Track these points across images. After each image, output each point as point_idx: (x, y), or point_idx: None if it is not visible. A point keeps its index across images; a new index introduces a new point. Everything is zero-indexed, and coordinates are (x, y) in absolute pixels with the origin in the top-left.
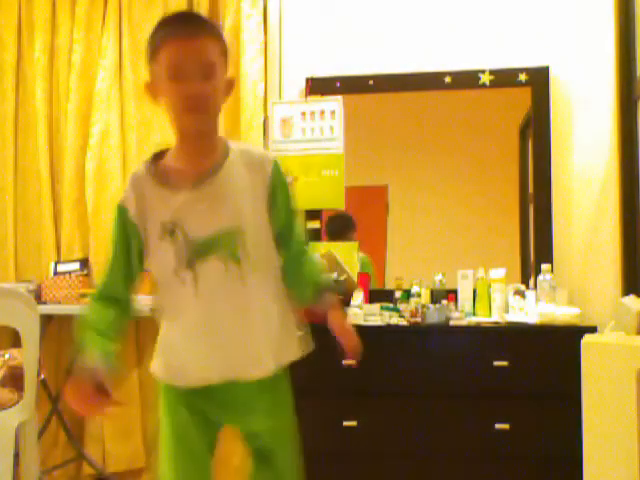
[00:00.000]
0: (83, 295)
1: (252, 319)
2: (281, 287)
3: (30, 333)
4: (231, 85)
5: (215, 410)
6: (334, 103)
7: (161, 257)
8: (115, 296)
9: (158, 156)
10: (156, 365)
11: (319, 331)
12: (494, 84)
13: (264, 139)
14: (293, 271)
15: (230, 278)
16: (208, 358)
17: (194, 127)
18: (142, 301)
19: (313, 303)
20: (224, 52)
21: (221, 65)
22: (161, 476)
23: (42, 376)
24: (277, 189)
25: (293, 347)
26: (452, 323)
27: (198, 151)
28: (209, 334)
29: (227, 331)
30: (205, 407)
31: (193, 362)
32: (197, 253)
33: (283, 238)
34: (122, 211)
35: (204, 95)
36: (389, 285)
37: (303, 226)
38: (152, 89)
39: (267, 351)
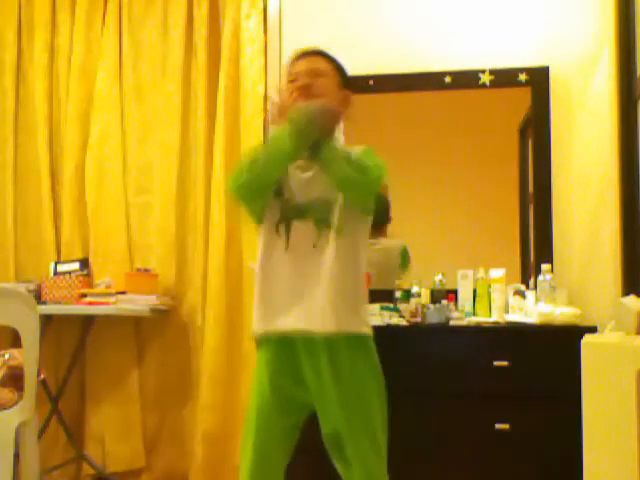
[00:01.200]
0: (83, 295)
1: (328, 278)
2: (362, 262)
3: (30, 333)
4: (347, 98)
5: (296, 388)
6: None
7: (271, 210)
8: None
9: None
10: (255, 319)
11: None
12: (494, 84)
13: (264, 139)
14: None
15: (318, 239)
16: (290, 306)
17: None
18: (142, 301)
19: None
20: (335, 71)
21: (331, 77)
22: (242, 445)
23: (42, 376)
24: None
25: (359, 320)
26: (452, 323)
27: None
28: (293, 284)
29: (306, 284)
30: (288, 386)
31: (280, 308)
32: (295, 213)
33: None
34: None
35: (310, 85)
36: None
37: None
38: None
39: (333, 310)
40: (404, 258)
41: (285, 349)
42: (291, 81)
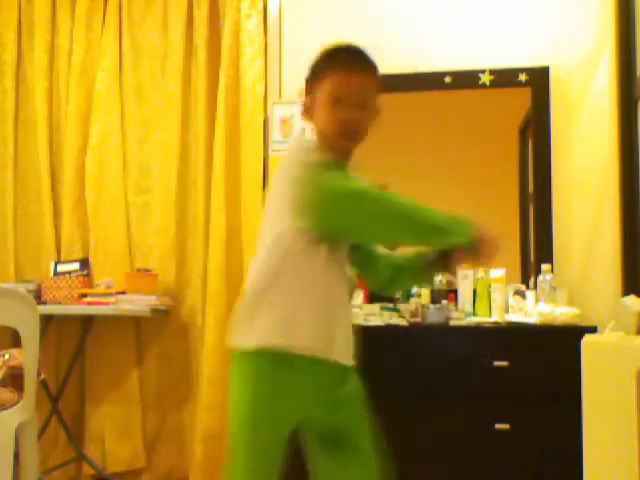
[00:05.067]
0: (83, 295)
1: (349, 311)
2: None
3: (30, 333)
4: (378, 113)
5: (295, 402)
6: None
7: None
8: None
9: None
10: (273, 332)
11: None
12: (494, 84)
13: (264, 139)
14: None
15: (344, 265)
16: (321, 333)
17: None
18: (142, 301)
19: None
20: (379, 85)
21: (375, 104)
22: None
23: (42, 376)
24: None
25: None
26: (452, 323)
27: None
28: (341, 312)
29: (344, 312)
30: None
31: (311, 333)
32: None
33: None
34: None
35: (359, 122)
36: None
37: None
38: (309, 107)
39: (351, 341)
40: None
41: (320, 374)
42: (336, 102)
